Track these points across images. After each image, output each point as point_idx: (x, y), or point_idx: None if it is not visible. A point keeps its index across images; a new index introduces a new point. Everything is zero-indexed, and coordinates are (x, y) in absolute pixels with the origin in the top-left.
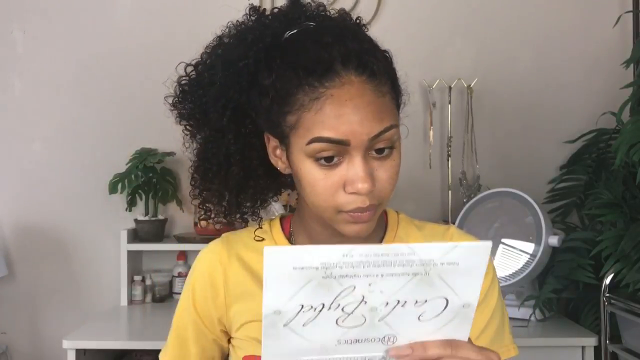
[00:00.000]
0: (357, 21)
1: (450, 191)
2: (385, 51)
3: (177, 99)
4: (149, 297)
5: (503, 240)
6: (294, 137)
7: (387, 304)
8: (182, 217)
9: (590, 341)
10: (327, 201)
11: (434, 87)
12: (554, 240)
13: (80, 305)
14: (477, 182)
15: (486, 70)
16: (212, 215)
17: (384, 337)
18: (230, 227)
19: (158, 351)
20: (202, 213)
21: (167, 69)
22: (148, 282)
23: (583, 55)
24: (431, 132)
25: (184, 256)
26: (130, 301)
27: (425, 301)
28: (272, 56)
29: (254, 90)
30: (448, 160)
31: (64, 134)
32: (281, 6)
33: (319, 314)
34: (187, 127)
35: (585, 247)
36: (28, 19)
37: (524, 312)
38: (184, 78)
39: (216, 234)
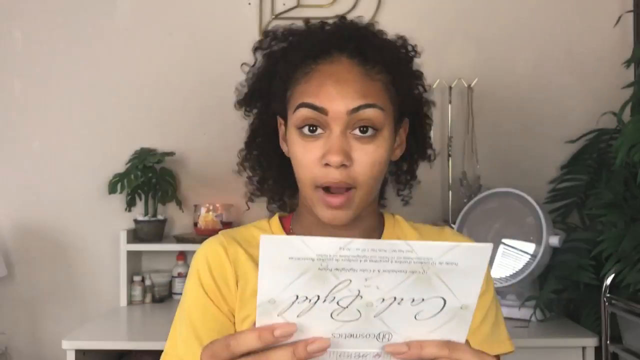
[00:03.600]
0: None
1: (450, 191)
2: (407, 51)
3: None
4: (148, 298)
5: (503, 240)
6: (289, 110)
7: (383, 300)
8: (181, 218)
9: (591, 342)
10: (305, 173)
11: (434, 87)
12: (554, 241)
13: (79, 306)
14: (477, 182)
15: (486, 70)
16: (259, 193)
17: (379, 334)
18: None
19: (158, 352)
20: (251, 188)
21: (167, 69)
22: (147, 282)
23: (583, 55)
24: (431, 132)
25: (183, 256)
26: (130, 301)
27: (422, 300)
28: (289, 48)
29: (274, 78)
30: (448, 160)
31: (63, 134)
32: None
33: (313, 305)
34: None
35: (585, 248)
36: (28, 19)
37: (525, 313)
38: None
39: (215, 234)
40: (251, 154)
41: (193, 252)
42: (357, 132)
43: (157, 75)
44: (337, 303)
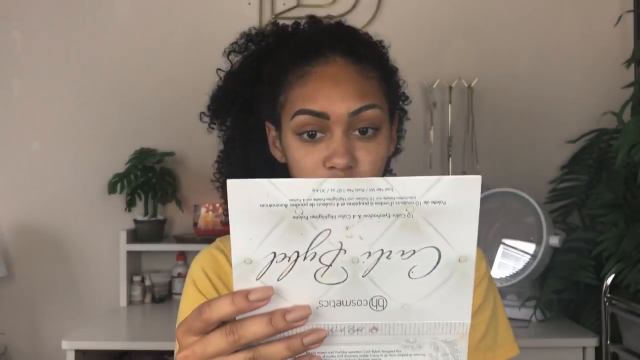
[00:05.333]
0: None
1: None
2: (382, 46)
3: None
4: (148, 298)
5: (504, 240)
6: (283, 116)
7: (369, 254)
8: (181, 218)
9: (591, 342)
10: (308, 177)
11: (434, 87)
12: (554, 241)
13: (79, 306)
14: None
15: (486, 70)
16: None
17: (372, 300)
18: None
19: (158, 352)
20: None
21: (167, 69)
22: (147, 282)
23: (584, 54)
24: (431, 132)
25: (183, 257)
26: (130, 301)
27: (414, 252)
28: (274, 50)
29: (258, 82)
30: (448, 160)
31: (63, 134)
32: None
33: (294, 264)
34: (210, 125)
35: (586, 248)
36: (28, 18)
37: (525, 313)
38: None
39: (215, 234)
40: (233, 164)
41: (193, 252)
42: (358, 133)
43: (157, 75)
44: (320, 260)
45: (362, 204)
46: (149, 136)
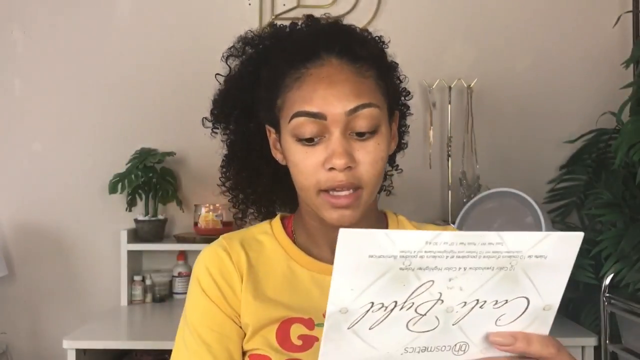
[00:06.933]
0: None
1: (450, 191)
2: (382, 42)
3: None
4: (149, 297)
5: None
6: (282, 119)
7: (464, 304)
8: (182, 217)
9: (590, 341)
10: (308, 179)
11: (434, 87)
12: None
13: (80, 305)
14: (477, 182)
15: (486, 70)
16: (240, 215)
17: (455, 345)
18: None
19: (158, 351)
20: (234, 211)
21: (167, 68)
22: (148, 282)
23: (583, 55)
24: (431, 132)
25: (183, 256)
26: (130, 301)
27: (506, 301)
28: (271, 52)
29: (256, 86)
30: (448, 160)
31: (64, 134)
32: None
33: (389, 314)
34: (213, 130)
35: (585, 247)
36: (28, 19)
37: None
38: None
39: (216, 234)
40: (238, 167)
41: (193, 251)
42: (356, 135)
43: (157, 75)
44: (415, 310)
45: (470, 257)
46: (149, 136)
